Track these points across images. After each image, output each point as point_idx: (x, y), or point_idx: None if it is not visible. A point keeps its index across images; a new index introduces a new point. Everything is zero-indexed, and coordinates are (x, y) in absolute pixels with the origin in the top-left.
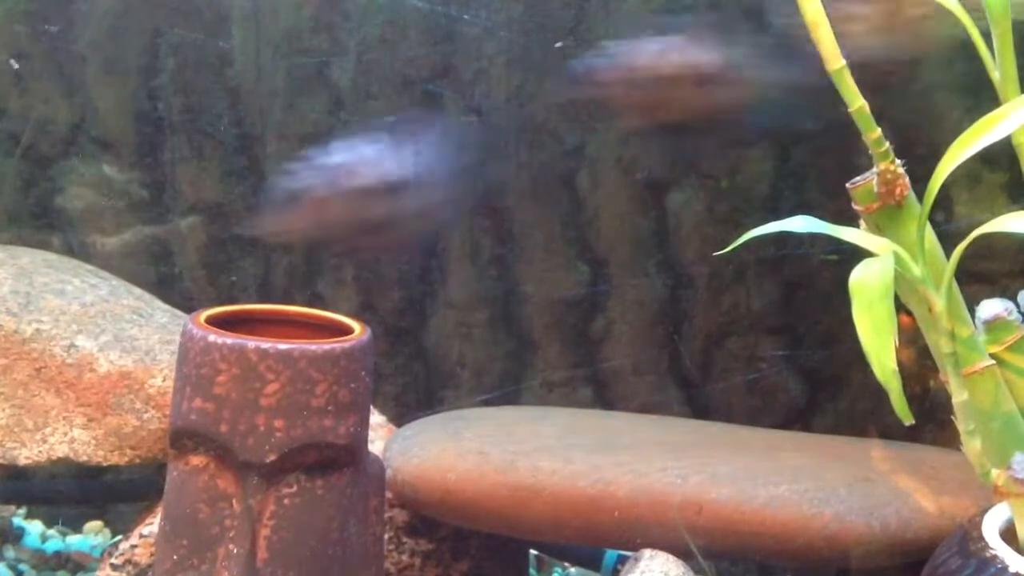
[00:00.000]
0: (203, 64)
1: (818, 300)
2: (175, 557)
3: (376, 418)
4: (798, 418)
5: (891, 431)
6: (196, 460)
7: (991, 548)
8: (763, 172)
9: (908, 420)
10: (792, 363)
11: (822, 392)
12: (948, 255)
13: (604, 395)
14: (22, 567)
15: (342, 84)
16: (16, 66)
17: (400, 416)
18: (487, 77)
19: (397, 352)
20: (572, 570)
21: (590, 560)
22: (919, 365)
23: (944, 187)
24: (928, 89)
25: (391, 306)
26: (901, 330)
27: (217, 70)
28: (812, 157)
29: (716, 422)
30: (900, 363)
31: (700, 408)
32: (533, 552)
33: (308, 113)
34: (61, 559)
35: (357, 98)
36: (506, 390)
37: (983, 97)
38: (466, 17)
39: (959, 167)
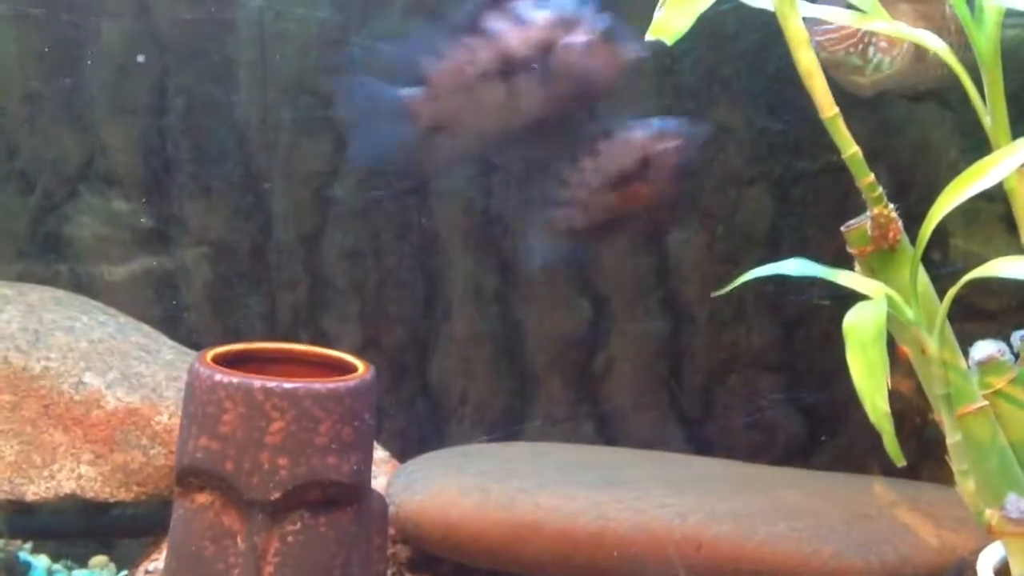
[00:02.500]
0: (210, 104)
1: (817, 337)
2: None
3: (379, 453)
4: (798, 455)
5: (890, 468)
6: (202, 498)
7: None
8: (763, 210)
9: (900, 462)
10: (792, 400)
11: (821, 429)
12: (945, 293)
13: (606, 431)
14: None
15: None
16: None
17: (403, 452)
18: None
19: (401, 388)
20: None
21: None
22: (918, 398)
23: (941, 221)
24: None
25: (395, 342)
26: (900, 362)
27: (225, 110)
28: (812, 195)
29: (716, 459)
30: (899, 395)
31: (701, 445)
32: None
33: (314, 153)
34: None
35: None
36: (509, 427)
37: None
38: None
39: None
